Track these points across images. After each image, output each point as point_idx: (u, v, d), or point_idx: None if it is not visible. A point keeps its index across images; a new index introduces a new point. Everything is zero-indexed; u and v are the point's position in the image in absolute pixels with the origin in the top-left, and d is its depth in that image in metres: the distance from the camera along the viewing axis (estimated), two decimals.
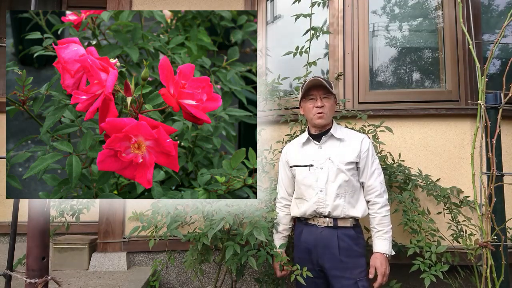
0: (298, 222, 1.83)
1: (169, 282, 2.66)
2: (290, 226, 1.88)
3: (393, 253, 1.69)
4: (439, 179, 2.21)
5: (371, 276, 1.64)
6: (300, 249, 1.75)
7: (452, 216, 2.05)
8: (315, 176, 1.70)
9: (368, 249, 1.84)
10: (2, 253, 2.78)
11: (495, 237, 1.39)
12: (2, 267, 0.91)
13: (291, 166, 1.82)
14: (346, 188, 1.68)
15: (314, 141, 1.77)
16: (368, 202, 1.74)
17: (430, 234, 1.96)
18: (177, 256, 2.62)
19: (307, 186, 1.72)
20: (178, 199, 1.29)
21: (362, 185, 1.74)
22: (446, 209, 2.09)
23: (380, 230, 1.68)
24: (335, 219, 1.68)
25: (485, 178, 1.43)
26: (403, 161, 2.19)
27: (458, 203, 2.12)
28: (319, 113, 1.71)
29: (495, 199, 1.38)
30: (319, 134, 1.77)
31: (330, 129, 1.76)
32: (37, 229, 0.89)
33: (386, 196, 1.73)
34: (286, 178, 1.87)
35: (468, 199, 2.13)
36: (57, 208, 2.27)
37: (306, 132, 1.84)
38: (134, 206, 2.69)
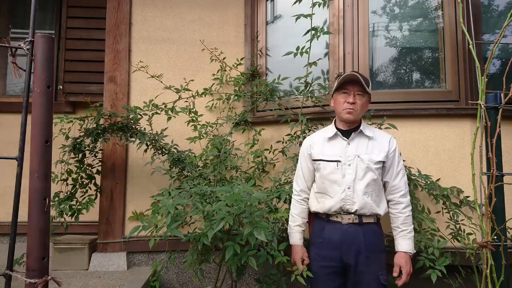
0: (317, 218, 1.79)
1: (169, 282, 2.66)
2: (307, 220, 1.85)
3: (414, 251, 1.70)
4: (439, 179, 2.21)
5: (395, 274, 1.64)
6: (321, 245, 1.71)
7: (450, 215, 2.05)
8: (341, 173, 1.68)
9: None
10: (2, 253, 2.78)
11: (495, 237, 1.39)
12: (2, 267, 0.91)
13: (314, 160, 1.77)
14: (373, 186, 1.67)
15: (342, 137, 1.73)
16: (389, 201, 1.73)
17: (431, 234, 1.97)
18: (177, 256, 2.62)
19: (332, 181, 1.69)
20: (178, 199, 1.29)
21: (384, 184, 1.74)
22: (445, 208, 2.10)
23: (404, 230, 1.68)
24: (360, 216, 1.67)
25: (485, 178, 1.43)
26: (403, 160, 2.19)
27: (458, 203, 2.12)
28: (349, 108, 1.68)
29: (495, 199, 1.38)
30: (348, 130, 1.73)
31: (359, 126, 1.73)
32: (37, 229, 0.89)
33: (409, 196, 1.73)
34: (307, 171, 1.81)
35: (468, 199, 2.13)
36: (57, 208, 2.28)
37: (333, 126, 1.79)
38: (134, 206, 2.69)
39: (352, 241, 1.65)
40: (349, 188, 1.66)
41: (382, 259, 1.68)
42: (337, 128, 1.76)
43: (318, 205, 1.75)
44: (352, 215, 1.67)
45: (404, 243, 1.67)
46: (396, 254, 1.68)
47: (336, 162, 1.69)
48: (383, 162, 1.69)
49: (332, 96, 1.78)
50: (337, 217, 1.70)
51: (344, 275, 1.69)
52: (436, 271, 1.75)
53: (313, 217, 1.83)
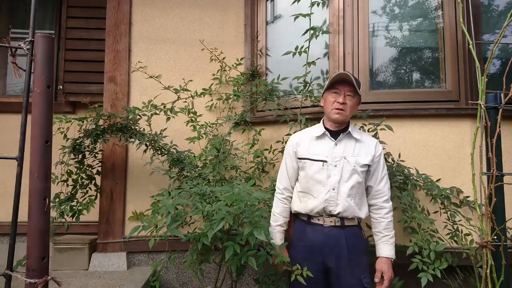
0: (298, 220, 1.77)
1: (169, 282, 2.66)
2: (289, 219, 1.83)
3: (395, 257, 1.70)
4: (439, 179, 2.21)
5: (377, 280, 1.63)
6: (303, 248, 1.70)
7: (448, 216, 2.05)
8: (327, 173, 1.66)
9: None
10: (2, 253, 2.78)
11: (495, 237, 1.39)
12: (2, 267, 0.91)
13: (300, 158, 1.74)
14: (357, 189, 1.67)
15: (330, 137, 1.71)
16: (372, 206, 1.73)
17: (429, 235, 1.96)
18: (177, 256, 2.62)
19: (317, 181, 1.68)
20: (178, 199, 1.29)
21: (367, 188, 1.73)
22: (443, 209, 2.10)
23: (387, 235, 1.68)
24: (342, 218, 1.66)
25: (485, 178, 1.42)
26: (402, 161, 2.19)
27: (458, 203, 2.12)
28: (338, 108, 1.66)
29: (495, 199, 1.37)
30: (337, 131, 1.72)
31: (347, 127, 1.72)
32: (37, 229, 0.89)
33: (391, 202, 1.73)
34: (292, 169, 1.79)
35: (468, 199, 2.13)
36: (57, 209, 2.28)
37: (321, 125, 1.77)
38: (134, 206, 2.69)
39: (334, 244, 1.64)
40: (333, 189, 1.65)
41: (364, 262, 1.68)
42: (325, 128, 1.74)
43: (301, 205, 1.73)
44: (334, 217, 1.66)
45: (386, 249, 1.66)
46: (378, 260, 1.67)
47: (322, 162, 1.68)
48: (369, 166, 1.69)
49: (322, 95, 1.77)
50: (319, 219, 1.69)
51: (326, 278, 1.67)
52: (428, 274, 1.73)
53: (293, 218, 1.81)
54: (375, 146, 1.72)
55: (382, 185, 1.71)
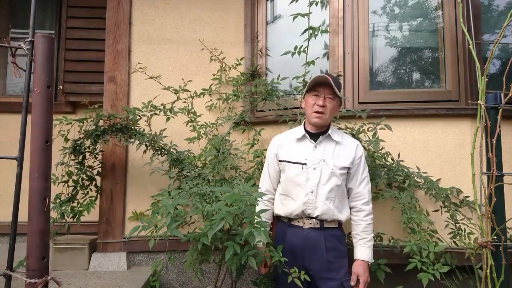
0: (280, 222, 1.77)
1: (169, 282, 2.66)
2: (271, 221, 1.83)
3: (373, 260, 1.69)
4: (440, 179, 2.21)
5: (352, 283, 1.63)
6: (284, 251, 1.67)
7: (450, 215, 2.05)
8: (306, 176, 1.66)
9: None
10: (2, 253, 2.78)
11: (495, 237, 1.39)
12: (2, 267, 0.91)
13: (281, 160, 1.75)
14: (336, 192, 1.66)
15: (310, 140, 1.72)
16: (352, 208, 1.73)
17: (429, 235, 1.96)
18: (177, 256, 2.62)
19: (296, 184, 1.68)
20: (178, 199, 1.29)
21: (348, 190, 1.73)
22: (444, 207, 2.09)
23: (364, 238, 1.67)
24: (322, 221, 1.66)
25: (485, 178, 1.42)
26: (402, 161, 2.19)
27: (458, 203, 2.12)
28: (318, 112, 1.65)
29: (495, 199, 1.37)
30: (316, 133, 1.71)
31: (327, 129, 1.71)
32: (37, 229, 0.89)
33: (371, 204, 1.73)
34: (273, 171, 1.80)
35: (468, 199, 2.13)
36: (58, 210, 2.28)
37: (302, 127, 1.77)
38: (134, 206, 2.69)
39: (313, 246, 1.64)
40: (312, 192, 1.64)
41: (345, 264, 1.67)
42: (305, 130, 1.74)
43: (281, 208, 1.73)
44: (314, 219, 1.65)
45: (364, 251, 1.66)
46: (355, 262, 1.67)
47: (301, 165, 1.68)
48: (348, 168, 1.68)
49: (303, 97, 1.77)
50: (298, 221, 1.68)
51: (308, 281, 1.64)
52: (428, 274, 1.72)
53: (276, 221, 1.81)
54: (356, 149, 1.71)
55: (361, 188, 1.70)
